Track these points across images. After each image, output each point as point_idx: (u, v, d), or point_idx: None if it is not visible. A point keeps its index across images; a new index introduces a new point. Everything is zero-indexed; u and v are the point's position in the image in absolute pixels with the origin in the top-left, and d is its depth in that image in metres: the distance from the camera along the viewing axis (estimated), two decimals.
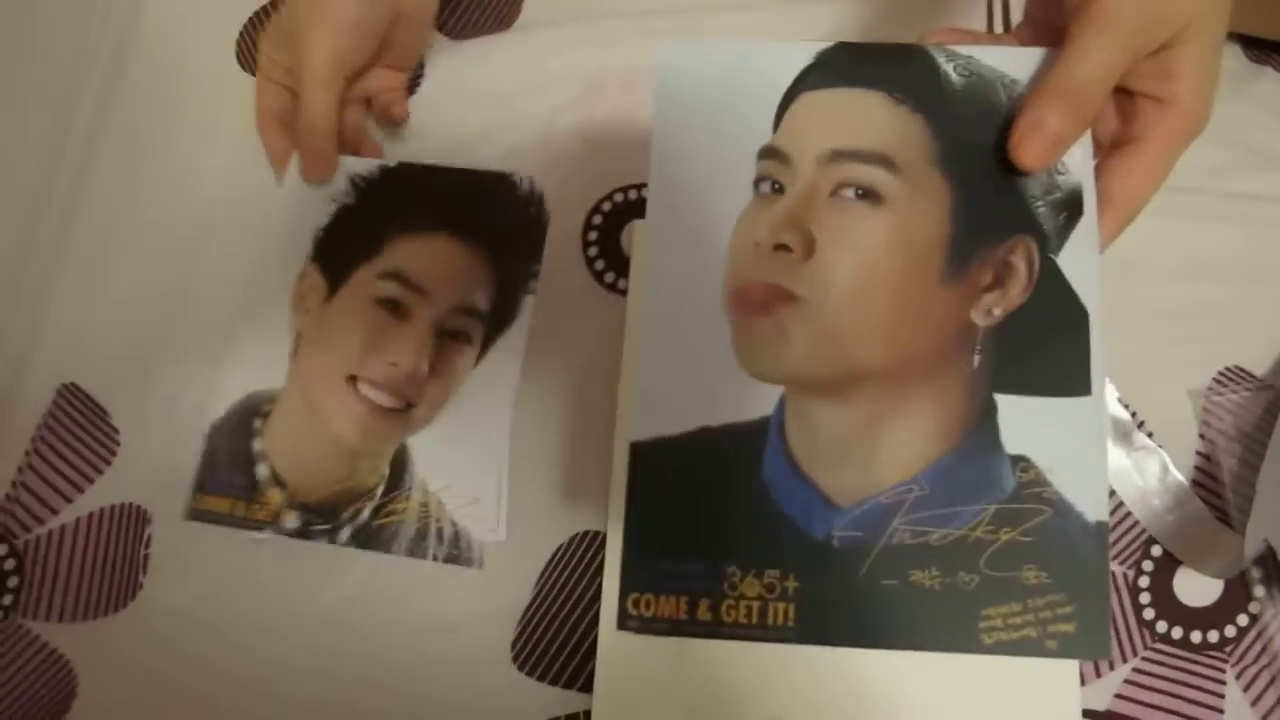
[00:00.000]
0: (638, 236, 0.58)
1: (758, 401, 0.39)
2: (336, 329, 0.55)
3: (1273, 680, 0.49)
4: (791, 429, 0.38)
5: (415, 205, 0.58)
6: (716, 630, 0.37)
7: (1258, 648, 0.49)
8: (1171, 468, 0.52)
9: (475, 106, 0.64)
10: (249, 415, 0.56)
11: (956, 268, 0.39)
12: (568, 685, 0.51)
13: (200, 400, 0.57)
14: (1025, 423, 0.38)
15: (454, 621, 0.52)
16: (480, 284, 0.57)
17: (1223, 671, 0.49)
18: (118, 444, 0.57)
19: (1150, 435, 0.53)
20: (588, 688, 0.50)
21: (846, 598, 0.37)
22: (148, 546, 0.55)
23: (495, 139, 0.63)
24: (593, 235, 0.60)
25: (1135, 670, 0.49)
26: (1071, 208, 0.39)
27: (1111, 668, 0.49)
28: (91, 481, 0.56)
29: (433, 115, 0.65)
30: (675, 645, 0.49)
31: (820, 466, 0.38)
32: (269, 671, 0.52)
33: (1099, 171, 0.40)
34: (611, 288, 0.58)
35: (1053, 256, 0.39)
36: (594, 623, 0.51)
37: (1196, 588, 0.51)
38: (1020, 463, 0.38)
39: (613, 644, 0.50)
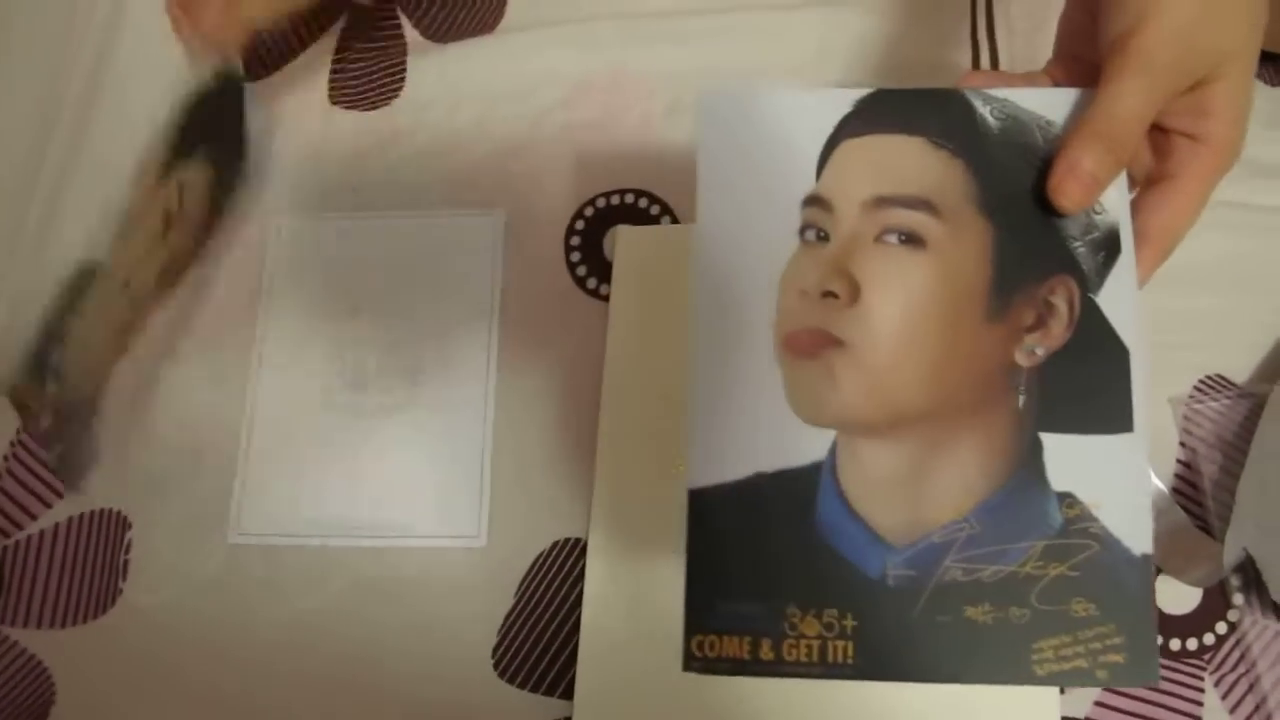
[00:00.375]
0: (621, 242, 0.58)
1: (811, 445, 0.39)
2: None
3: (1250, 688, 0.49)
4: (844, 470, 0.39)
5: None
6: (779, 669, 0.38)
7: (1236, 655, 0.49)
8: (1152, 476, 0.52)
9: (459, 110, 0.64)
10: None
11: (999, 309, 0.40)
12: (548, 692, 0.51)
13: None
14: (1070, 460, 0.39)
15: (434, 628, 0.52)
16: None
17: (1201, 679, 0.49)
18: (99, 450, 0.57)
19: None
20: (568, 694, 0.50)
21: (903, 634, 0.38)
22: (128, 552, 0.55)
23: (479, 143, 0.63)
24: (575, 240, 0.59)
25: None
26: (1110, 247, 0.40)
27: None
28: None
29: (415, 119, 0.64)
30: (657, 649, 0.49)
31: (873, 506, 0.39)
32: (249, 678, 0.52)
33: (1135, 209, 0.41)
34: (594, 293, 0.58)
35: (1093, 296, 0.39)
36: (575, 630, 0.51)
37: (1176, 596, 0.51)
38: (1066, 499, 0.38)
39: (593, 651, 0.50)
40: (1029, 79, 0.44)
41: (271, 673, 0.52)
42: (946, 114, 0.41)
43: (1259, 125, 0.59)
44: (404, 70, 0.66)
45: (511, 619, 0.52)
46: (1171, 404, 0.54)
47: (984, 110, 0.41)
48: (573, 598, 0.52)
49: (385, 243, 0.61)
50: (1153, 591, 0.38)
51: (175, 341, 0.60)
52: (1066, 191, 0.39)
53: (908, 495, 0.39)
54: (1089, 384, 0.39)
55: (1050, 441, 0.39)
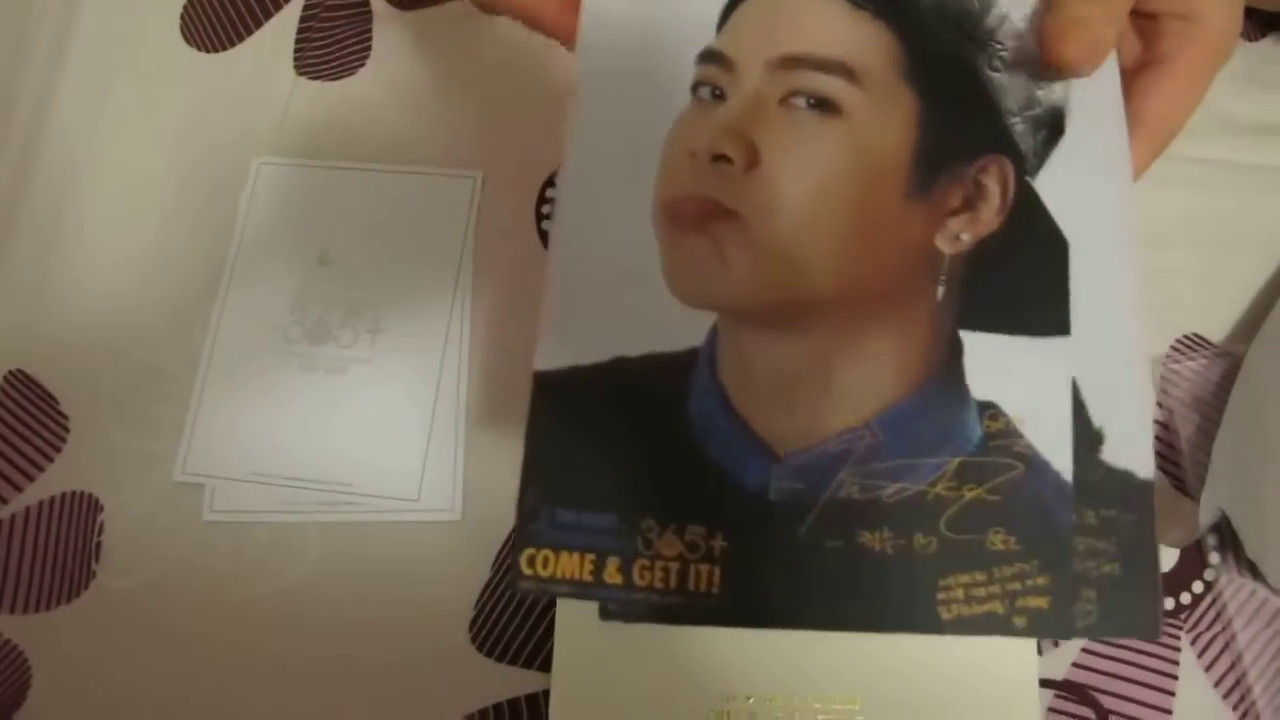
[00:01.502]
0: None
1: (686, 330, 0.34)
2: None
3: (1226, 646, 0.49)
4: (725, 363, 0.34)
5: None
6: (628, 595, 0.32)
7: (1211, 615, 0.49)
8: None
9: (426, 77, 0.63)
10: None
11: (921, 187, 0.35)
12: (526, 665, 0.51)
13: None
14: (995, 365, 0.34)
15: (410, 602, 0.52)
16: None
17: (1177, 639, 0.49)
18: (68, 431, 0.56)
19: None
20: (546, 667, 0.50)
21: (782, 562, 0.33)
22: (100, 534, 0.54)
23: (447, 109, 0.62)
24: (547, 209, 0.59)
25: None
26: (1052, 126, 0.36)
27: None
28: (42, 470, 0.56)
29: (383, 87, 0.63)
30: (633, 625, 0.49)
31: (757, 408, 0.34)
32: (225, 656, 0.52)
33: (1126, 95, 0.37)
34: None
35: (1030, 179, 0.35)
36: (552, 602, 0.51)
37: None
38: (989, 410, 0.33)
39: (571, 622, 0.50)
40: None
41: (247, 651, 0.52)
42: None
43: (1236, 82, 0.60)
44: (370, 38, 0.65)
45: (488, 592, 0.52)
46: (1150, 363, 0.54)
47: None
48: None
49: (366, 196, 0.60)
50: (1070, 526, 0.33)
51: (140, 315, 0.59)
52: (1071, 45, 0.34)
53: (800, 397, 0.34)
54: (1021, 278, 0.34)
55: (973, 342, 0.34)
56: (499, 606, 0.52)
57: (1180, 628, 0.49)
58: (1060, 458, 0.33)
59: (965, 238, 0.35)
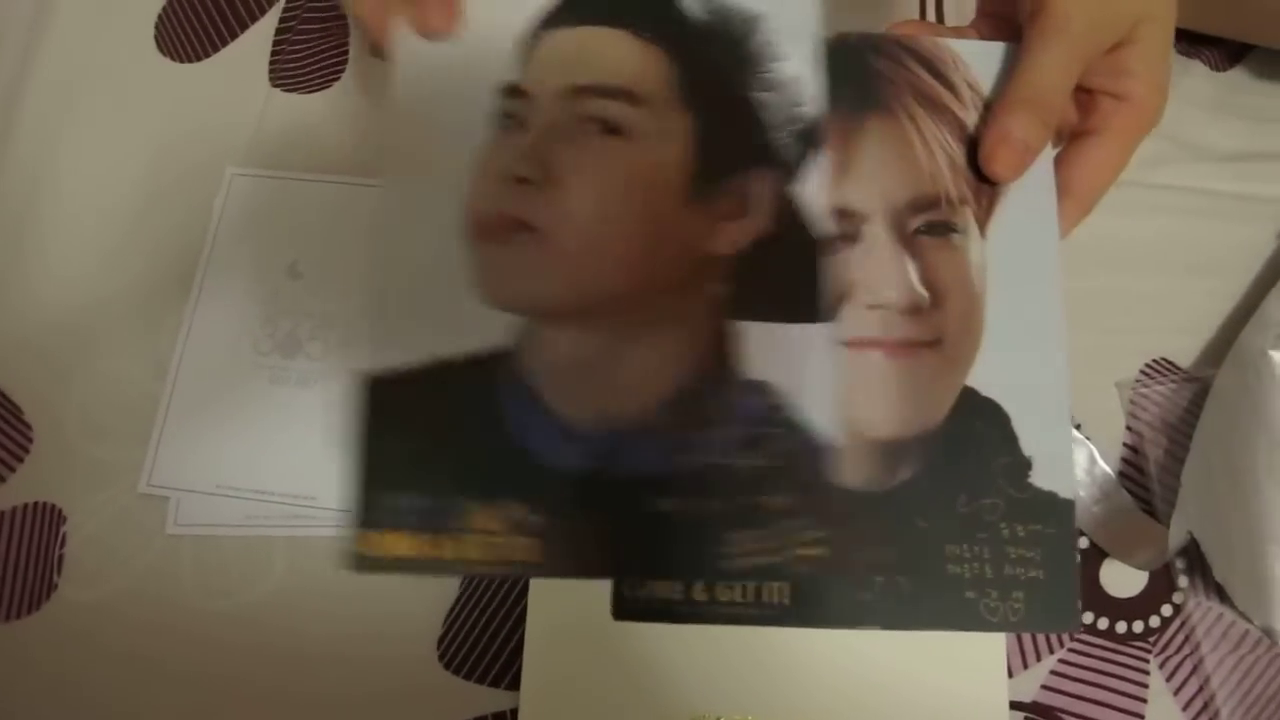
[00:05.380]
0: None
1: (495, 331, 0.38)
2: None
3: (1194, 669, 0.49)
4: (530, 358, 0.38)
5: None
6: (453, 568, 0.36)
7: (1180, 638, 0.50)
8: (1099, 460, 0.52)
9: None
10: None
11: (699, 198, 0.39)
12: (495, 683, 0.50)
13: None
14: (768, 350, 0.38)
15: (379, 619, 0.51)
16: None
17: (1146, 661, 0.49)
18: (31, 441, 0.56)
19: (1078, 427, 0.53)
20: (515, 685, 0.49)
21: (589, 530, 0.37)
22: (63, 546, 0.53)
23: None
24: None
25: (1061, 661, 0.50)
26: (810, 140, 0.40)
27: (1039, 659, 0.50)
28: (4, 480, 0.55)
29: (356, 102, 0.63)
30: (600, 640, 0.49)
31: (559, 395, 0.38)
32: (189, 671, 0.51)
33: (1058, 163, 0.41)
34: None
35: (790, 188, 0.39)
36: (521, 620, 0.50)
37: (1122, 579, 0.51)
38: (761, 388, 0.38)
39: (539, 641, 0.50)
40: (957, 32, 0.45)
41: (211, 666, 0.51)
42: (649, 5, 0.41)
43: (1204, 110, 0.60)
44: (346, 51, 0.65)
45: (457, 610, 0.51)
46: (1119, 388, 0.54)
47: (689, 2, 0.41)
48: (519, 588, 0.51)
49: (335, 209, 0.60)
50: (839, 482, 0.38)
51: (105, 324, 0.58)
52: (1001, 160, 0.39)
53: (596, 384, 0.38)
54: (785, 274, 0.39)
55: (749, 331, 0.38)
56: (468, 624, 0.51)
57: (1149, 650, 0.50)
58: (824, 424, 0.37)
59: (740, 241, 0.39)
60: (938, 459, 0.39)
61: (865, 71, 0.42)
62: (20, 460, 0.55)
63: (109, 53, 0.65)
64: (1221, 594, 0.49)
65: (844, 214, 0.40)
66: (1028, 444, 0.39)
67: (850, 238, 0.40)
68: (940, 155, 0.41)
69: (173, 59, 0.65)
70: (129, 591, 0.52)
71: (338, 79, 0.64)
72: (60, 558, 0.53)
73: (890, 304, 0.39)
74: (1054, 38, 0.39)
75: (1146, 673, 0.49)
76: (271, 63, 0.64)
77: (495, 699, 0.50)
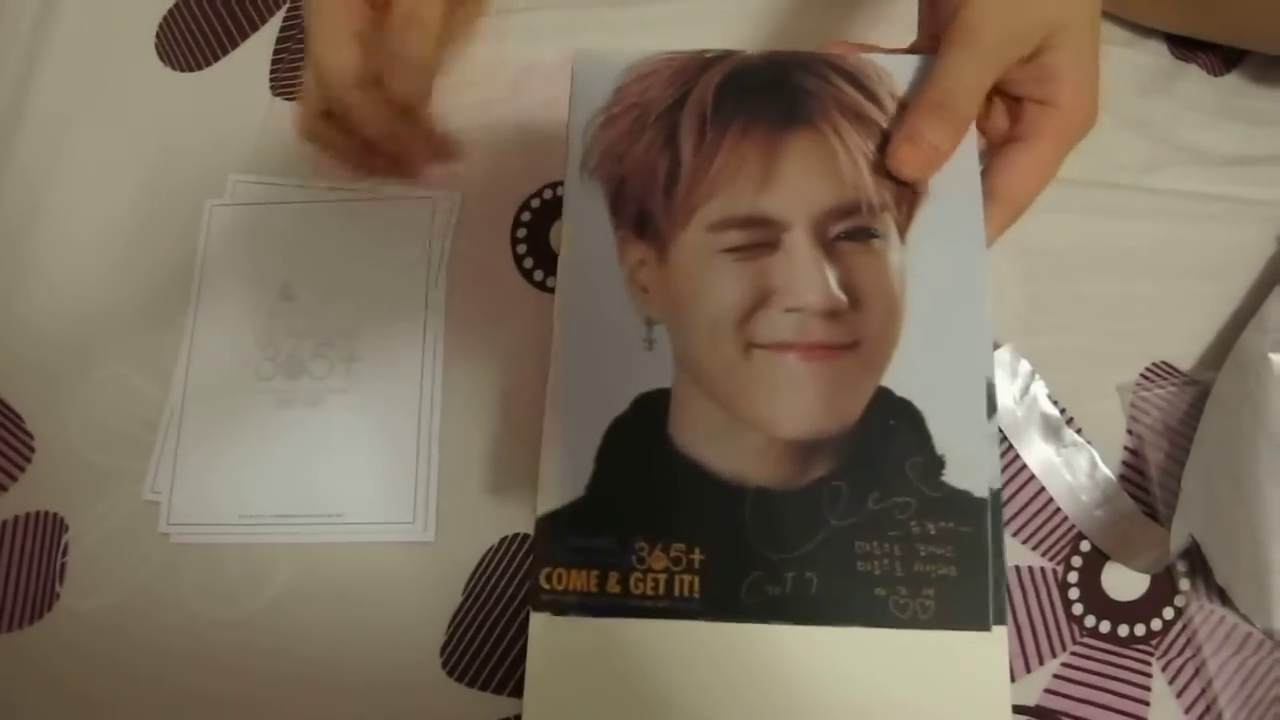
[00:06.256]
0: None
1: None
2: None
3: (1196, 672, 0.49)
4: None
5: None
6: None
7: (1182, 641, 0.50)
8: (1100, 463, 0.52)
9: None
10: None
11: None
12: (498, 690, 0.50)
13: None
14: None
15: (382, 626, 0.51)
16: None
17: (1149, 664, 0.49)
18: (33, 450, 0.56)
19: (1079, 431, 0.53)
20: (518, 692, 0.49)
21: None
22: (65, 555, 0.53)
23: None
24: (522, 232, 0.59)
25: (1064, 665, 0.50)
26: None
27: (1041, 663, 0.50)
28: (5, 489, 0.55)
29: None
30: (607, 645, 0.49)
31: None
32: (191, 681, 0.51)
33: (987, 170, 0.42)
34: (540, 285, 0.57)
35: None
36: (524, 626, 0.50)
37: (1124, 582, 0.51)
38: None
39: (542, 647, 0.50)
40: (888, 51, 0.45)
41: (214, 676, 0.51)
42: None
43: (1202, 114, 0.61)
44: None
45: (460, 616, 0.51)
46: (1119, 391, 0.54)
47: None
48: (522, 594, 0.51)
49: (324, 226, 0.60)
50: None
51: (106, 334, 0.58)
52: (908, 159, 0.40)
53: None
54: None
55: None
56: (470, 631, 0.51)
57: (1151, 654, 0.50)
58: None
59: None
60: (851, 458, 0.39)
61: (791, 88, 0.43)
62: (22, 469, 0.55)
63: (110, 62, 0.65)
64: (1224, 597, 0.49)
65: (764, 222, 0.41)
66: (941, 443, 0.39)
67: (770, 245, 0.41)
68: (863, 163, 0.41)
69: (174, 68, 0.65)
70: (131, 601, 0.52)
71: None
72: (62, 567, 0.53)
73: (807, 307, 0.40)
74: (964, 46, 0.40)
75: (1149, 676, 0.49)
76: (272, 72, 0.65)
77: (498, 706, 0.50)
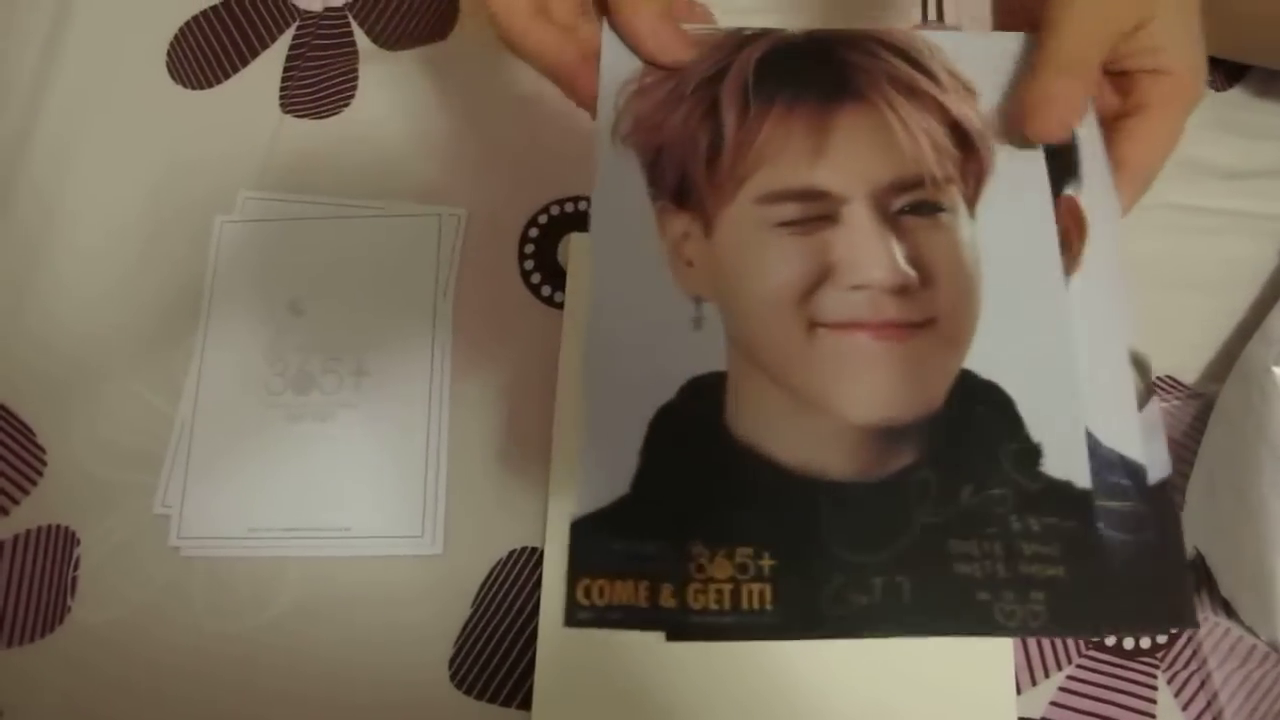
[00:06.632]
0: (574, 250, 0.58)
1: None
2: None
3: (1202, 685, 0.49)
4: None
5: None
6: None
7: (1188, 653, 0.50)
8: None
9: (411, 117, 0.64)
10: None
11: None
12: (506, 703, 0.50)
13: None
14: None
15: (389, 639, 0.52)
16: None
17: (1154, 677, 0.50)
18: (45, 464, 0.56)
19: None
20: (527, 705, 0.50)
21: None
22: (76, 569, 0.54)
23: (431, 149, 0.63)
24: (529, 248, 0.59)
25: (1070, 678, 0.50)
26: None
27: (1047, 675, 0.50)
28: (17, 503, 0.55)
29: (367, 126, 0.64)
30: (614, 657, 0.49)
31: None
32: (200, 694, 0.51)
33: (1108, 144, 0.41)
34: (548, 300, 0.58)
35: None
36: (533, 639, 0.51)
37: None
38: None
39: (551, 660, 0.50)
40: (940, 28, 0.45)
41: (224, 689, 0.51)
42: None
43: (1205, 129, 0.61)
44: (355, 77, 0.65)
45: (469, 629, 0.52)
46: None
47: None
48: (530, 607, 0.51)
49: (333, 242, 0.60)
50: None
51: (117, 348, 0.59)
52: (1046, 118, 0.38)
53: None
54: None
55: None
56: (479, 644, 0.51)
57: (1157, 666, 0.50)
58: None
59: None
60: (937, 446, 0.36)
61: (837, 62, 0.40)
62: (34, 483, 0.56)
63: (121, 79, 0.66)
64: (1228, 609, 0.50)
65: (820, 195, 0.38)
66: (1036, 429, 0.36)
67: (829, 219, 0.38)
68: (922, 138, 0.39)
69: (185, 85, 0.66)
70: (142, 614, 0.53)
71: (348, 105, 0.64)
72: (73, 580, 0.54)
73: (875, 283, 0.37)
74: (1078, 11, 0.39)
75: (1155, 688, 0.49)
76: (282, 89, 0.65)
77: (507, 718, 0.50)
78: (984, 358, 0.36)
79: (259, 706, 0.51)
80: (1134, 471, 0.36)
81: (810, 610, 0.34)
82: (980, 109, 0.40)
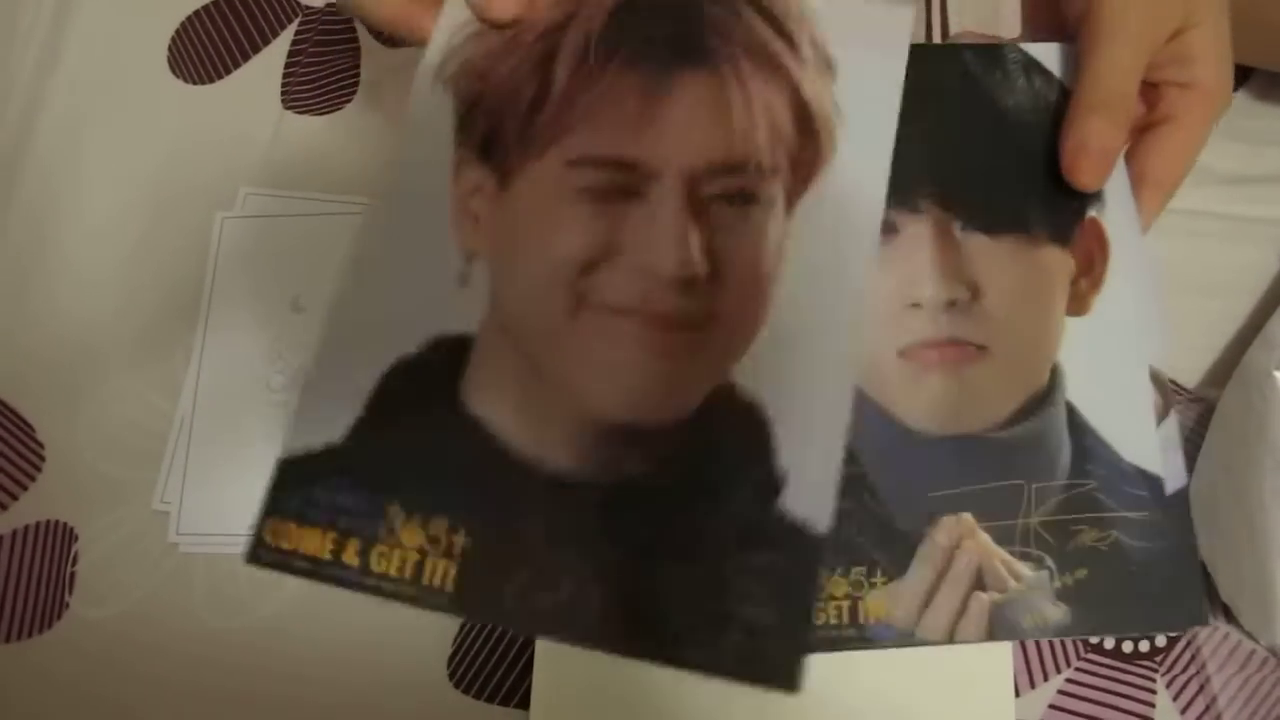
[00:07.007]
0: None
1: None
2: None
3: (1201, 689, 0.49)
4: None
5: None
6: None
7: (1187, 657, 0.50)
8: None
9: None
10: None
11: None
12: (505, 702, 0.50)
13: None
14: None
15: (388, 638, 0.52)
16: None
17: (1153, 681, 0.50)
18: (43, 459, 0.56)
19: None
20: (525, 704, 0.49)
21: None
22: (74, 564, 0.54)
23: None
24: None
25: (1068, 681, 0.50)
26: None
27: (1046, 678, 0.50)
28: (16, 498, 0.55)
29: (369, 122, 0.64)
30: (612, 659, 0.49)
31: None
32: (197, 691, 0.51)
33: (1130, 155, 0.41)
34: None
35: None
36: (531, 638, 0.50)
37: None
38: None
39: (549, 658, 0.50)
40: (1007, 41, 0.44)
41: (221, 685, 0.51)
42: None
43: (1211, 134, 0.61)
44: (357, 72, 0.65)
45: (467, 628, 0.52)
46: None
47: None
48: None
49: (334, 238, 0.60)
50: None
51: (117, 344, 0.59)
52: (1083, 168, 0.39)
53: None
54: None
55: None
56: (478, 643, 0.51)
57: (1156, 670, 0.50)
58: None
59: None
60: (674, 459, 0.33)
61: (696, 20, 0.37)
62: (32, 479, 0.56)
63: (122, 74, 0.66)
64: (1228, 614, 0.50)
65: (630, 166, 0.35)
66: (788, 459, 0.32)
67: (631, 193, 0.35)
68: (760, 120, 0.36)
69: (186, 81, 0.66)
70: (140, 610, 0.53)
71: (349, 101, 0.64)
72: (72, 576, 0.53)
73: (658, 271, 0.34)
74: (1111, 38, 0.39)
75: (1154, 692, 0.49)
76: (284, 85, 0.65)
77: (506, 718, 0.50)
78: (754, 373, 0.34)
79: (257, 703, 0.51)
80: (1152, 483, 0.38)
81: (493, 599, 0.31)
82: (835, 92, 0.37)
